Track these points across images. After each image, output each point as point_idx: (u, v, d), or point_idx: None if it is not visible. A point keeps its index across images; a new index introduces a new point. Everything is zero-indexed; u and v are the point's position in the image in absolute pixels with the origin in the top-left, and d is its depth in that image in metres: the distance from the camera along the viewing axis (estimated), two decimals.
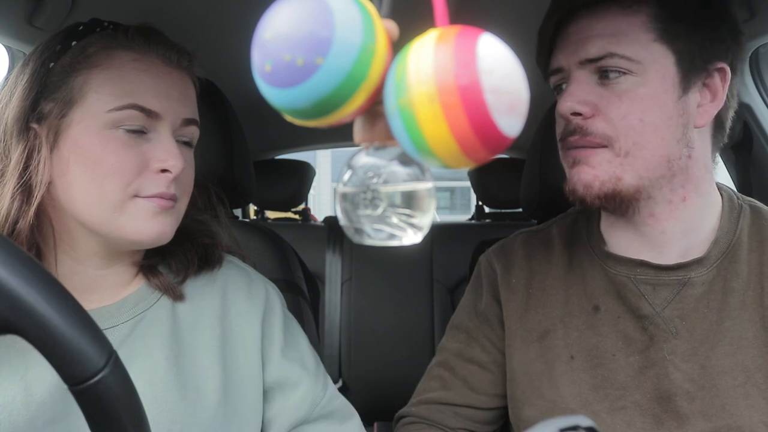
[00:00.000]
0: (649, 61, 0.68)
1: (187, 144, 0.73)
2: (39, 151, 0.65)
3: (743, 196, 0.79)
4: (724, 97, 0.73)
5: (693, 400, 0.69)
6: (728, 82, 0.72)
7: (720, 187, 0.78)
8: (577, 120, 0.71)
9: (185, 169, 0.69)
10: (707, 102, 0.72)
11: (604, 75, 0.70)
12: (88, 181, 0.64)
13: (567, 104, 0.70)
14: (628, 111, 0.68)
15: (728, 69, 0.72)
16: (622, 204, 0.71)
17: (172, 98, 0.68)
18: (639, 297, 0.74)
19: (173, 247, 0.75)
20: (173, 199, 0.68)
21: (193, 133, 0.73)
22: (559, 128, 0.75)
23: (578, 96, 0.70)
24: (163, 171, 0.67)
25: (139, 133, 0.66)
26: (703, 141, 0.74)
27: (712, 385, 0.69)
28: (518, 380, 0.80)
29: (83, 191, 0.65)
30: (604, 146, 0.70)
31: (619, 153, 0.69)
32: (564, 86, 0.75)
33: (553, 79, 0.77)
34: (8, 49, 1.03)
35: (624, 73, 0.69)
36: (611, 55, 0.68)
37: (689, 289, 0.73)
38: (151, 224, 0.66)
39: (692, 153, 0.72)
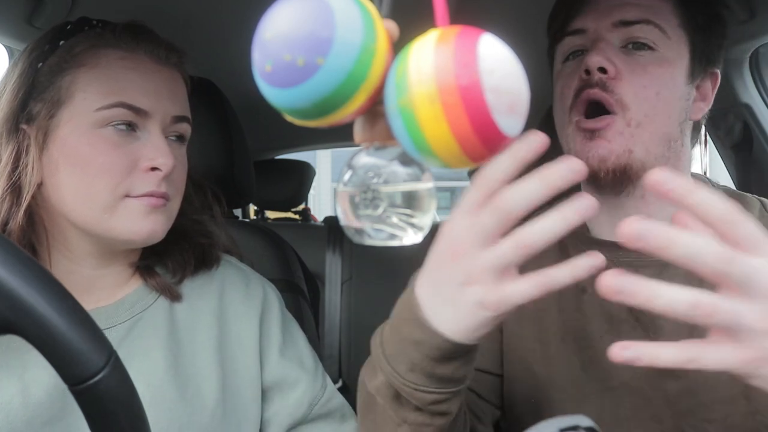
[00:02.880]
0: (674, 41, 0.71)
1: (179, 142, 0.73)
2: (28, 152, 0.65)
3: (717, 182, 0.82)
4: (712, 101, 0.76)
5: (679, 379, 0.70)
6: (716, 88, 0.76)
7: (696, 177, 0.81)
8: (600, 76, 0.71)
9: (177, 168, 0.69)
10: (699, 100, 0.76)
11: (634, 45, 0.71)
12: (78, 182, 0.64)
13: (597, 58, 0.71)
14: (649, 82, 0.70)
15: (719, 75, 0.76)
16: (627, 180, 0.72)
17: (160, 96, 0.68)
18: None
19: (169, 247, 0.75)
20: (165, 197, 0.67)
21: (185, 130, 0.73)
22: (571, 88, 0.75)
23: (608, 54, 0.71)
24: (153, 169, 0.66)
25: (129, 131, 0.66)
26: (689, 136, 0.77)
27: None
28: (510, 358, 0.81)
29: (73, 192, 0.65)
30: (615, 114, 0.71)
31: (630, 123, 0.71)
32: (583, 53, 0.75)
33: (569, 41, 0.77)
34: (8, 49, 1.03)
35: (650, 48, 0.71)
36: (648, 21, 0.70)
37: (671, 269, 0.74)
38: (142, 223, 0.66)
39: (684, 141, 0.75)
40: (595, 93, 0.71)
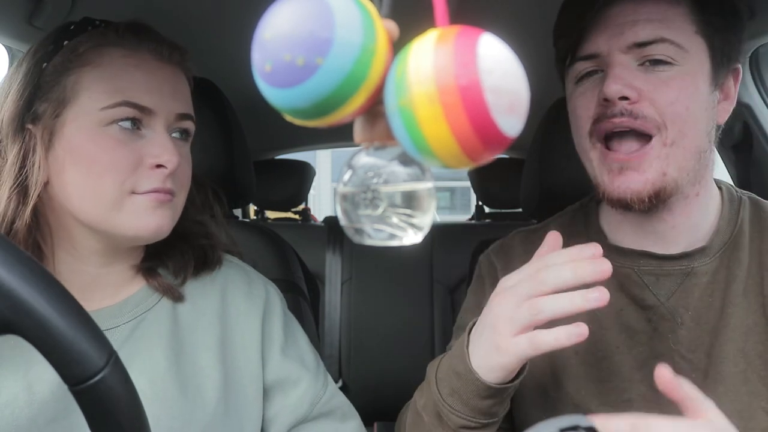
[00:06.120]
0: (693, 52, 0.68)
1: (183, 139, 0.73)
2: (34, 152, 0.65)
3: (741, 189, 0.80)
4: (736, 97, 0.73)
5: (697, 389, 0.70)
6: (739, 83, 0.73)
7: (718, 182, 0.79)
8: (623, 104, 0.68)
9: (181, 165, 0.70)
10: (722, 100, 0.73)
11: (651, 62, 0.68)
12: (84, 180, 0.65)
13: (615, 87, 0.67)
14: (675, 98, 0.67)
15: (740, 70, 0.73)
16: (660, 203, 0.70)
17: (164, 93, 0.68)
18: (643, 288, 0.74)
19: (170, 249, 0.75)
20: (170, 193, 0.68)
21: (189, 127, 0.73)
22: (589, 111, 0.71)
23: (625, 79, 0.68)
24: (159, 166, 0.67)
25: (133, 129, 0.66)
26: (713, 142, 0.75)
27: (716, 372, 0.69)
28: (523, 381, 0.80)
29: (80, 190, 0.65)
30: (651, 136, 0.68)
31: (666, 142, 0.68)
32: (597, 73, 0.72)
33: (581, 65, 0.73)
34: (8, 49, 1.03)
35: (669, 63, 0.68)
36: (662, 39, 0.67)
37: (693, 278, 0.73)
38: (149, 219, 0.67)
39: (711, 148, 0.73)
40: (623, 122, 0.68)
